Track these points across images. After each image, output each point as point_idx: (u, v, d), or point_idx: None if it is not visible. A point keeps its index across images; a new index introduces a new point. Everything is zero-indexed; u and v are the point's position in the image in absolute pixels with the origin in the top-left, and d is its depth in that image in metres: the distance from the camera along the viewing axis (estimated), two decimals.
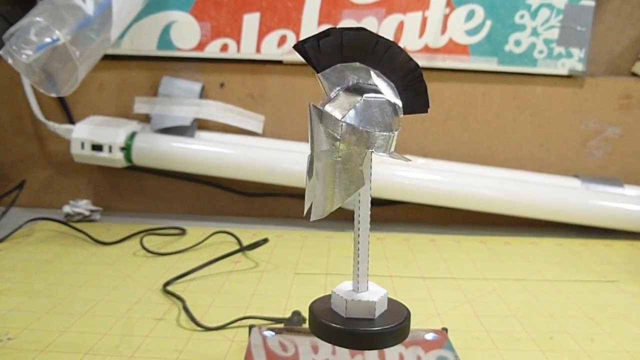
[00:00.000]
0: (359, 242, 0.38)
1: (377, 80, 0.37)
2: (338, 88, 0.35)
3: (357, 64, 0.36)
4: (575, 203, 0.93)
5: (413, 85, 0.39)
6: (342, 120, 0.34)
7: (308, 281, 0.68)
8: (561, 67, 0.99)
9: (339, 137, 0.34)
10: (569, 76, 1.00)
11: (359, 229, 0.38)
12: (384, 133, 0.35)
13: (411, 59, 0.39)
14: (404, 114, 0.37)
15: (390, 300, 0.39)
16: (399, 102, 0.37)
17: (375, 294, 0.38)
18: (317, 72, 0.35)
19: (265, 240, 0.74)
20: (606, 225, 0.93)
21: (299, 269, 0.72)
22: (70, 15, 0.78)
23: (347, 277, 0.70)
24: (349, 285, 0.39)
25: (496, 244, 0.87)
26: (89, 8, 0.81)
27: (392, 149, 0.36)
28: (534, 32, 0.97)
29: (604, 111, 1.01)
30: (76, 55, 0.76)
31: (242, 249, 0.75)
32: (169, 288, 0.64)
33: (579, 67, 0.99)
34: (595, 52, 1.05)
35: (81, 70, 0.79)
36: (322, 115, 0.34)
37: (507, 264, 0.77)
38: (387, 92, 0.36)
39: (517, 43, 0.98)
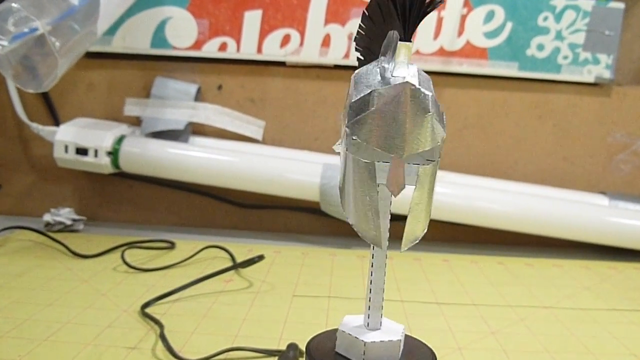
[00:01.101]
0: (373, 268, 0.30)
1: None
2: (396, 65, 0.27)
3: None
4: (603, 222, 0.85)
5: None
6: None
7: (308, 305, 0.60)
8: (587, 74, 0.91)
9: (443, 127, 0.26)
10: (595, 84, 0.92)
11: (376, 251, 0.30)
12: None
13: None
14: None
15: (408, 339, 0.31)
16: None
17: (392, 332, 0.30)
18: (409, 40, 0.26)
19: (260, 257, 0.66)
20: (636, 247, 0.85)
21: (298, 291, 0.64)
22: (53, 3, 0.71)
23: (352, 302, 0.62)
24: (358, 319, 0.31)
25: (517, 265, 0.79)
26: None
27: None
28: (559, 36, 0.90)
29: (632, 123, 0.93)
30: (56, 47, 0.69)
31: (235, 266, 0.67)
32: (148, 310, 0.56)
33: (607, 74, 0.91)
34: (622, 60, 0.98)
35: (62, 64, 0.71)
36: (433, 102, 0.26)
37: (532, 289, 0.69)
38: None
39: (540, 47, 0.90)
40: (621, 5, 0.89)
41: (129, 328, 0.52)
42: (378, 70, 0.27)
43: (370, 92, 0.26)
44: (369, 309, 0.30)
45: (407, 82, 0.26)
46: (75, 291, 0.61)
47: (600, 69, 0.91)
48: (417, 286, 0.68)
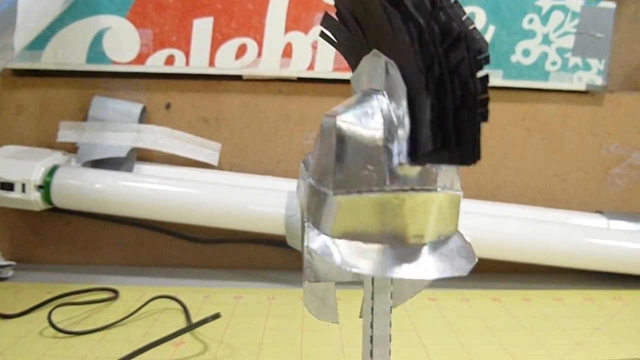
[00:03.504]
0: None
1: None
2: None
3: None
4: (601, 246, 0.76)
5: None
6: None
7: None
8: (577, 82, 0.83)
9: None
10: (586, 92, 0.84)
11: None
12: None
13: None
14: None
15: None
16: None
17: None
18: None
19: (215, 316, 0.55)
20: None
21: (262, 355, 0.53)
22: None
23: None
24: None
25: (513, 301, 0.69)
26: None
27: None
28: (546, 40, 0.81)
29: (627, 133, 0.85)
30: None
31: (186, 329, 0.55)
32: None
33: (598, 81, 0.83)
34: (611, 64, 0.90)
35: None
36: None
37: (536, 334, 0.59)
38: None
39: (526, 53, 0.81)
40: (612, 5, 0.81)
41: None
42: None
43: None
44: None
45: None
46: None
47: (591, 75, 0.82)
48: (400, 330, 0.58)
